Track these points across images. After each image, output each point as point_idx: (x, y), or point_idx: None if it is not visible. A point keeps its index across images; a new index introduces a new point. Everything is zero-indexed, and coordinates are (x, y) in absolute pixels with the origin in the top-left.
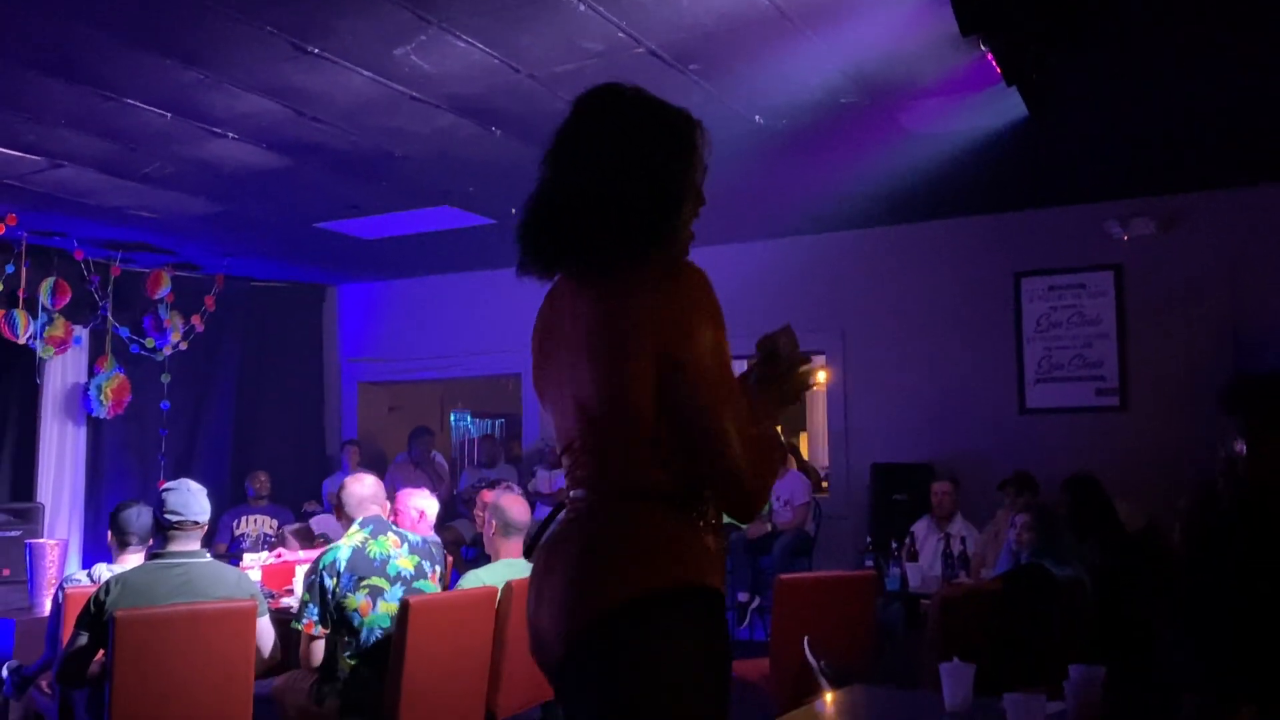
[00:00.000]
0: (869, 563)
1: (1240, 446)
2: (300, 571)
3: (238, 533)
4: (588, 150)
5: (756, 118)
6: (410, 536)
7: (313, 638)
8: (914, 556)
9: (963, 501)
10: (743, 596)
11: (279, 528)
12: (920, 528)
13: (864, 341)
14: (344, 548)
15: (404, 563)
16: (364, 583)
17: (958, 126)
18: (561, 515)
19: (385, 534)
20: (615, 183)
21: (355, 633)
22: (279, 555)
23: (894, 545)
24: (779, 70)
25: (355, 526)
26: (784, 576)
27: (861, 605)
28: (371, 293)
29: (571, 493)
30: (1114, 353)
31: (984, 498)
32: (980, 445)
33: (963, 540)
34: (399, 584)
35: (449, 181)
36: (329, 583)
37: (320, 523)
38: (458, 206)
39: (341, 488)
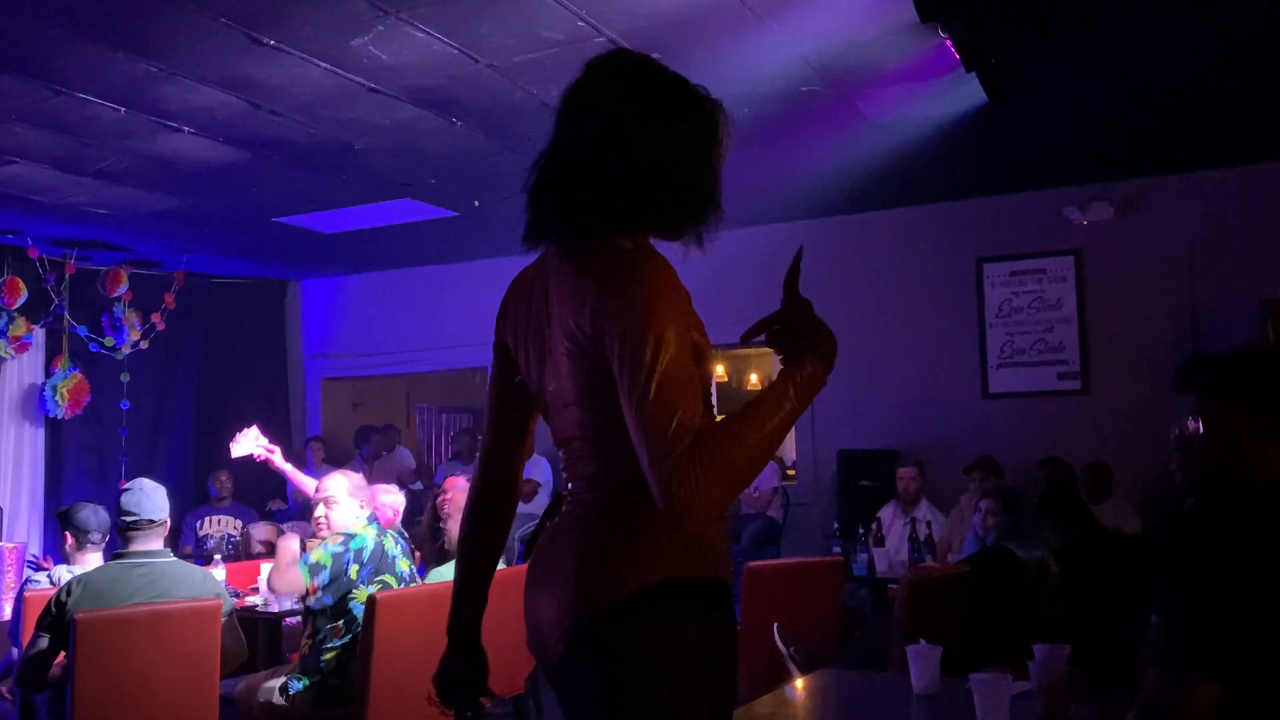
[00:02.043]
0: (836, 549)
1: (1194, 425)
2: (265, 570)
3: (201, 534)
4: (612, 114)
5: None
6: (399, 537)
7: (301, 597)
8: (881, 542)
9: (928, 486)
10: None
11: (243, 528)
12: (886, 513)
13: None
14: (368, 538)
15: (403, 564)
16: (378, 577)
17: (918, 114)
18: (563, 509)
19: (387, 534)
20: (641, 152)
21: (351, 625)
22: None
23: (861, 531)
24: (740, 59)
25: (365, 522)
26: (752, 564)
27: (829, 591)
28: (333, 288)
29: (571, 486)
30: (1075, 337)
31: (949, 483)
32: (945, 430)
33: (928, 525)
34: (402, 584)
35: (410, 174)
36: (352, 568)
37: (292, 525)
38: (419, 199)
39: (339, 487)
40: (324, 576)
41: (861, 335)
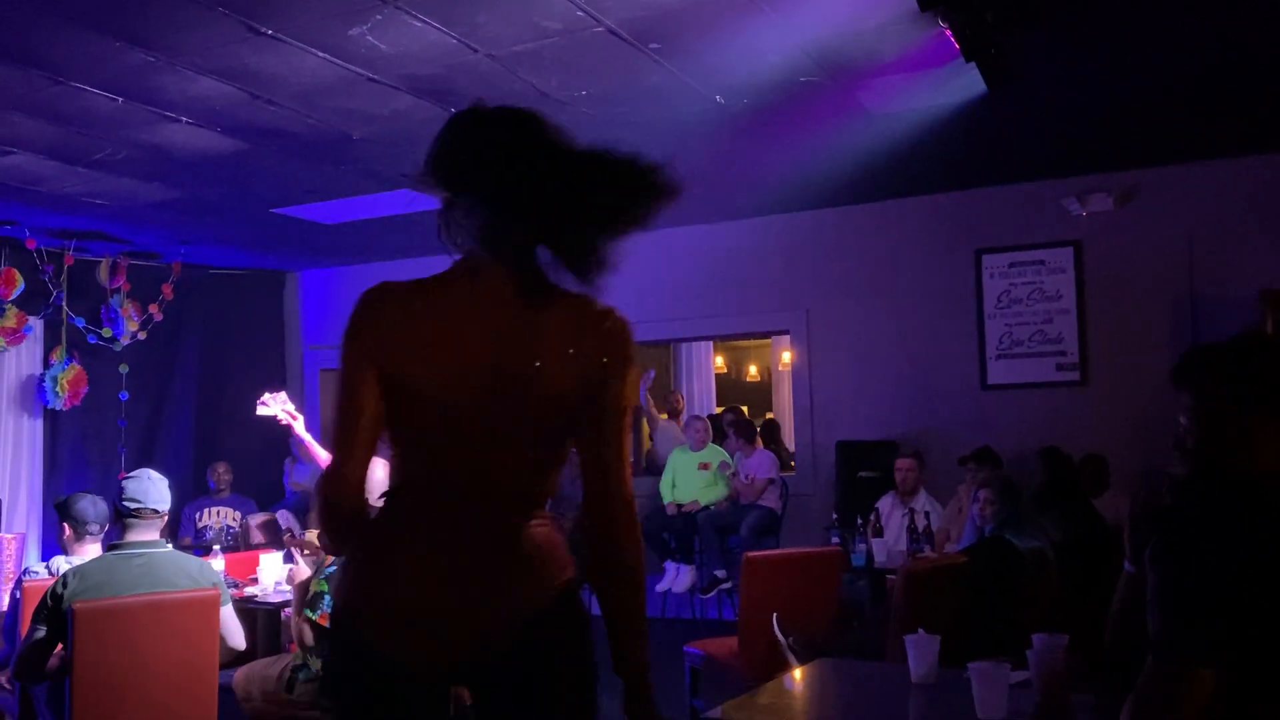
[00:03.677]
0: (835, 539)
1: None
2: (266, 561)
3: (200, 525)
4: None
5: (717, 97)
6: None
7: (321, 629)
8: (879, 532)
9: (927, 477)
10: (720, 573)
11: (242, 519)
12: (885, 504)
13: (828, 320)
14: None
15: None
16: None
17: (917, 104)
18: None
19: None
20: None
21: None
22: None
23: (860, 522)
24: (739, 48)
25: None
26: (751, 554)
27: (828, 581)
28: (332, 278)
29: (525, 495)
30: (1074, 328)
31: (948, 473)
32: (943, 421)
33: (927, 515)
34: None
35: (408, 164)
36: None
37: (287, 516)
38: (417, 190)
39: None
40: (328, 603)
41: (860, 326)
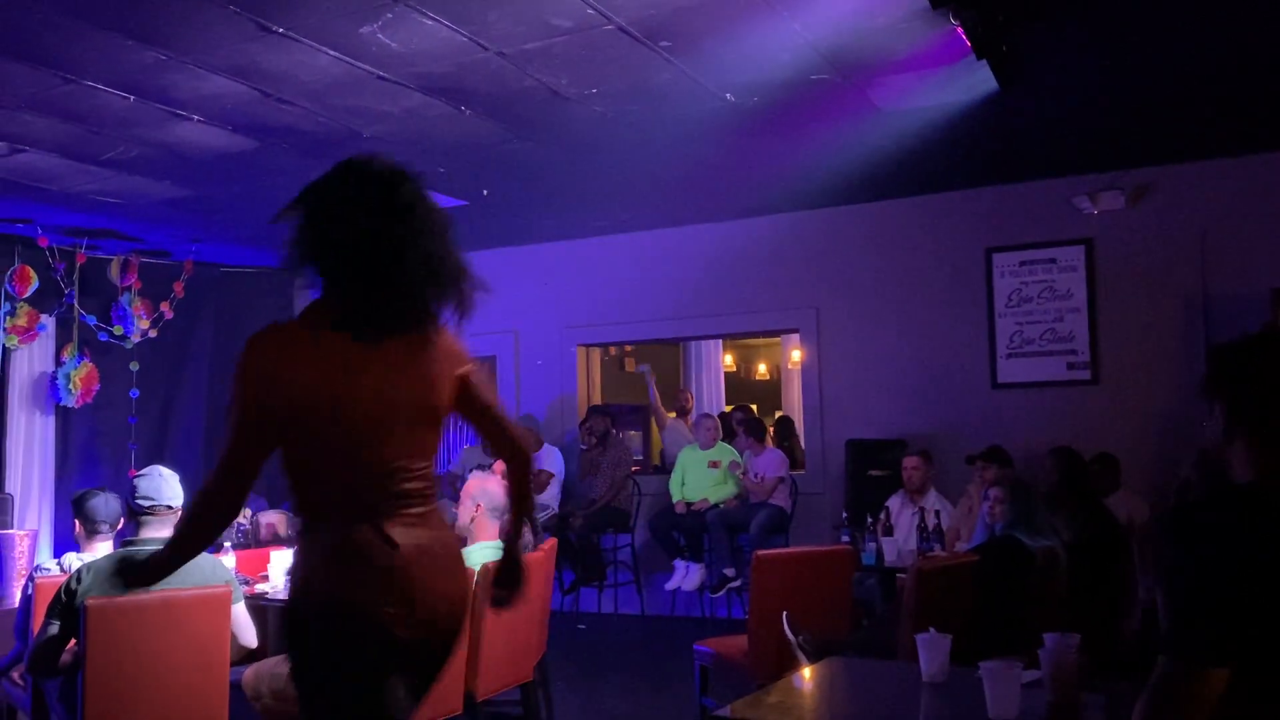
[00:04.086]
0: (845, 538)
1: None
2: (277, 558)
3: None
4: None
5: (727, 95)
6: None
7: None
8: (889, 531)
9: (938, 476)
10: (729, 571)
11: (252, 515)
12: (894, 503)
13: (838, 319)
14: None
15: None
16: None
17: (928, 102)
18: (411, 511)
19: None
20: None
21: None
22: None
23: (870, 520)
24: (750, 46)
25: None
26: (761, 552)
27: (839, 580)
28: None
29: (403, 496)
30: (1085, 327)
31: (959, 472)
32: (954, 420)
33: (937, 514)
34: None
35: (419, 162)
36: None
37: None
38: (428, 188)
39: None
40: None
41: (870, 325)
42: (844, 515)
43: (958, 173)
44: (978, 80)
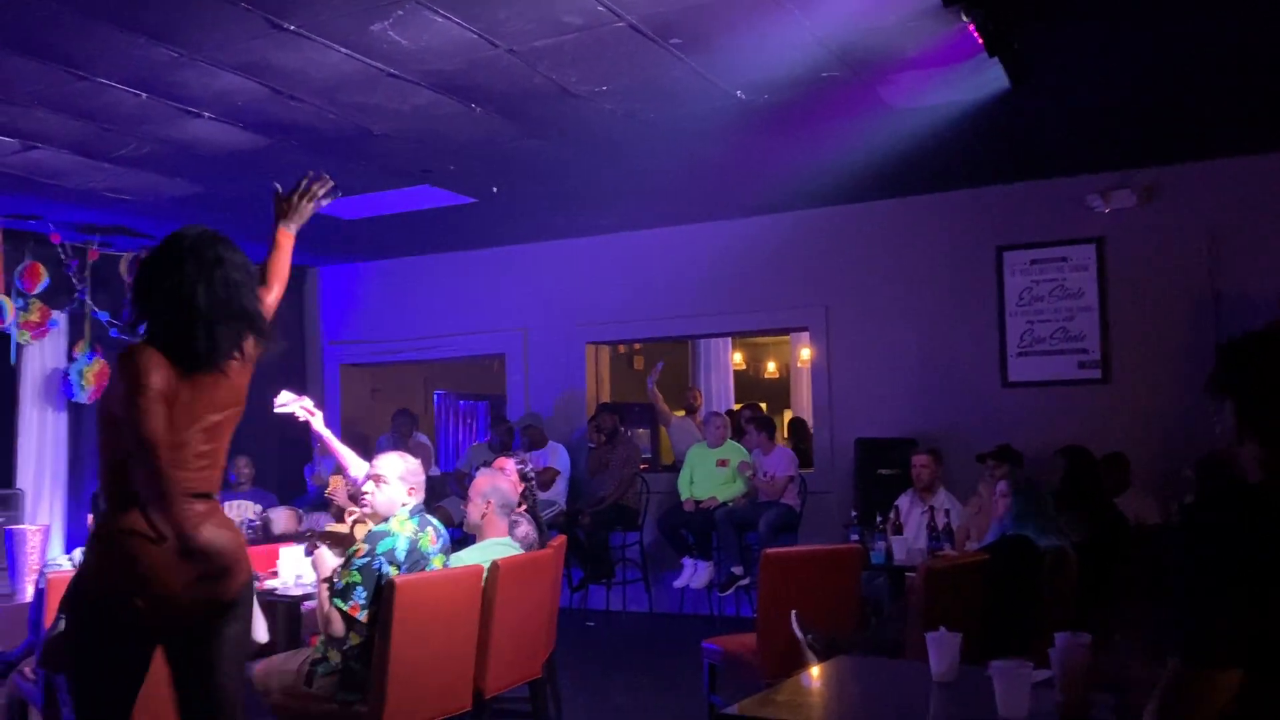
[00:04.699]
0: (854, 537)
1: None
2: (287, 555)
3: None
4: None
5: (738, 93)
6: (442, 531)
7: (352, 620)
8: (899, 530)
9: (948, 475)
10: (737, 570)
11: (262, 512)
12: (904, 501)
13: (847, 317)
14: (400, 536)
15: (437, 561)
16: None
17: (939, 99)
18: (202, 508)
19: (427, 528)
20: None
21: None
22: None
23: (879, 519)
24: (761, 44)
25: (405, 515)
26: (770, 551)
27: (848, 578)
28: (352, 274)
29: (201, 490)
30: (1096, 325)
31: (969, 471)
32: (964, 419)
33: (946, 513)
34: None
35: (429, 160)
36: (388, 569)
37: (309, 513)
38: (438, 185)
39: (392, 468)
40: (360, 594)
41: (880, 323)
42: (853, 514)
43: (969, 171)
44: (989, 78)
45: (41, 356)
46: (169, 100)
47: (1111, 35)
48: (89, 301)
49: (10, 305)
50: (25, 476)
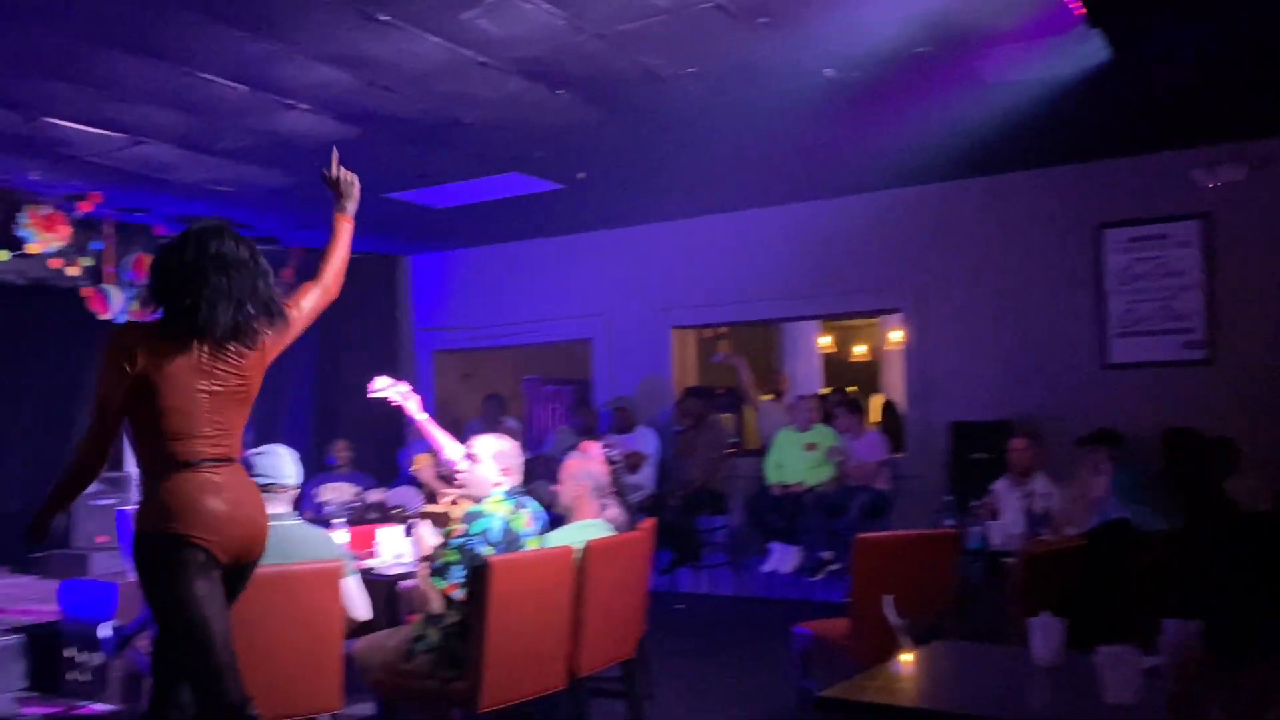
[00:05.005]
0: (949, 522)
1: None
2: (384, 536)
3: (319, 500)
4: None
5: (827, 71)
6: (540, 513)
7: (448, 598)
8: (994, 515)
9: (1047, 459)
10: (826, 555)
11: (360, 494)
12: (1000, 486)
13: (940, 298)
14: (495, 517)
15: (533, 543)
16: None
17: (1037, 73)
18: (217, 476)
19: (523, 510)
20: None
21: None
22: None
23: (974, 503)
24: (850, 20)
25: (500, 496)
26: (864, 535)
27: (943, 563)
28: (443, 262)
29: (216, 455)
30: (1200, 304)
31: (1068, 455)
32: (1062, 401)
33: (1045, 498)
34: None
35: (517, 147)
36: (483, 549)
37: (398, 494)
38: (525, 172)
39: (486, 448)
40: (457, 573)
41: (975, 304)
42: (947, 498)
43: (1067, 146)
44: (1089, 50)
45: None
46: (267, 93)
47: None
48: None
49: (119, 294)
50: (132, 460)
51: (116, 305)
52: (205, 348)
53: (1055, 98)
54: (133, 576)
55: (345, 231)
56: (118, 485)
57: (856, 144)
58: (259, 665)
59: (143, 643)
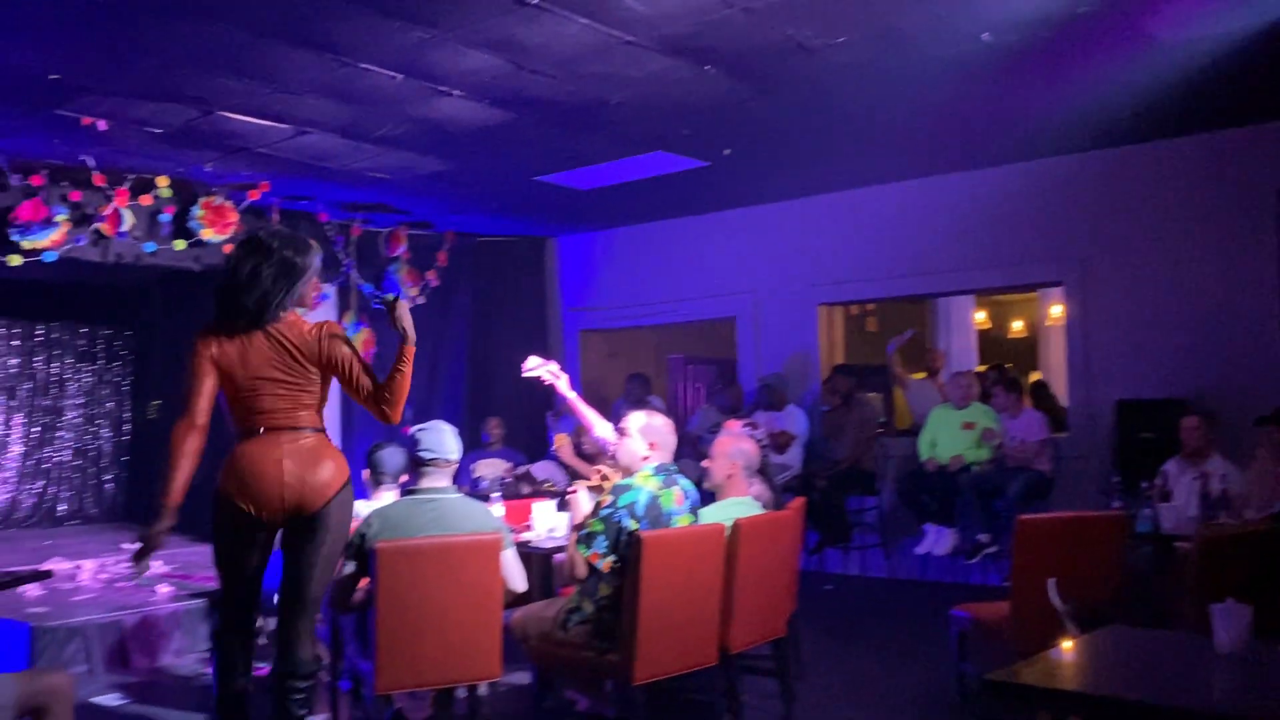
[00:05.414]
0: (1116, 504)
1: None
2: (539, 510)
3: (474, 476)
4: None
5: (984, 35)
6: (691, 491)
7: (591, 567)
8: (1166, 497)
9: (1222, 439)
10: (983, 537)
11: (513, 470)
12: (1171, 467)
13: (1105, 270)
14: (642, 491)
15: (683, 520)
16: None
17: (1214, 29)
18: (285, 439)
19: (673, 487)
20: None
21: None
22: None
23: (1144, 485)
24: None
25: (649, 471)
26: (1026, 517)
27: (1111, 547)
28: (589, 243)
29: (279, 425)
30: None
31: (1246, 435)
32: (1240, 378)
33: (1222, 479)
34: None
35: (662, 126)
36: (628, 523)
37: (542, 469)
38: (671, 151)
39: (635, 422)
40: (600, 543)
41: (1143, 276)
42: (1115, 480)
43: (1245, 107)
44: (1269, 2)
45: None
46: (423, 80)
47: None
48: (354, 275)
49: None
50: None
51: None
52: (258, 339)
53: (1232, 55)
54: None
55: (406, 362)
56: None
57: (1013, 111)
58: (424, 633)
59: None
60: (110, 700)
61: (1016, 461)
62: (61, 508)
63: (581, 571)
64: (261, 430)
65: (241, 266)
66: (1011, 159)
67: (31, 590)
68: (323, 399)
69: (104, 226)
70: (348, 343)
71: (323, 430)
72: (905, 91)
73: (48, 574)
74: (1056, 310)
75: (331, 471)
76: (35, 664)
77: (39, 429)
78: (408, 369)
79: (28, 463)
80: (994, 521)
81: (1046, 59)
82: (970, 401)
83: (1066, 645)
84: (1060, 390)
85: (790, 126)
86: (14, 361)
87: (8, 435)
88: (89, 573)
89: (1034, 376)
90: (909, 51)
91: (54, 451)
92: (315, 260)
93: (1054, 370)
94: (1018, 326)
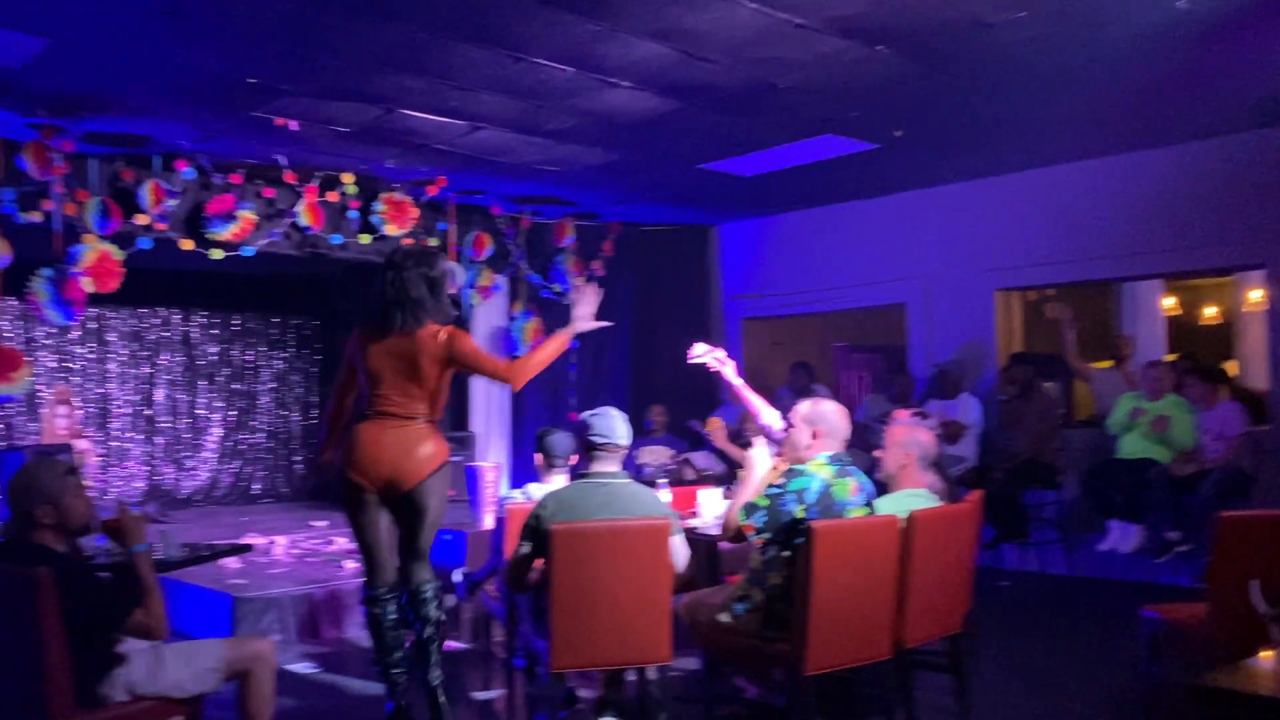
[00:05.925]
0: None
1: None
2: (705, 497)
3: (638, 462)
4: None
5: (1179, 2)
6: (866, 484)
7: (743, 536)
8: None
9: None
10: (1172, 535)
11: (677, 456)
12: None
13: None
14: (815, 479)
15: (857, 512)
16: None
17: None
18: (393, 424)
19: (848, 478)
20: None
21: (796, 551)
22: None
23: None
24: None
25: (823, 459)
26: (1226, 514)
27: None
28: (751, 230)
29: (392, 412)
30: None
31: None
32: None
33: None
34: None
35: (830, 109)
36: (794, 507)
37: (702, 457)
38: (838, 134)
39: (803, 409)
40: (759, 517)
41: None
42: None
43: None
44: None
45: (488, 316)
46: (592, 73)
47: None
48: (523, 266)
49: (462, 271)
50: (476, 420)
51: (461, 281)
52: (392, 338)
53: None
54: (481, 526)
55: (557, 342)
56: (464, 444)
57: (1208, 84)
58: (597, 614)
59: (490, 587)
60: (303, 668)
61: (1215, 456)
62: (255, 486)
63: (731, 529)
64: (374, 414)
65: (389, 287)
66: (1203, 135)
67: (231, 563)
68: (437, 393)
69: (307, 217)
70: (468, 340)
71: (433, 421)
72: (1089, 66)
73: (247, 548)
74: (1256, 295)
75: (427, 453)
76: (236, 632)
77: (235, 413)
78: (550, 349)
79: (226, 444)
80: (1185, 519)
81: (1247, 26)
82: (1164, 393)
83: (1268, 652)
84: (1260, 381)
85: (965, 106)
86: (213, 350)
87: (208, 418)
88: (282, 548)
89: (1229, 367)
90: (1095, 23)
91: (248, 434)
92: (445, 265)
93: (1253, 360)
94: (1210, 313)
